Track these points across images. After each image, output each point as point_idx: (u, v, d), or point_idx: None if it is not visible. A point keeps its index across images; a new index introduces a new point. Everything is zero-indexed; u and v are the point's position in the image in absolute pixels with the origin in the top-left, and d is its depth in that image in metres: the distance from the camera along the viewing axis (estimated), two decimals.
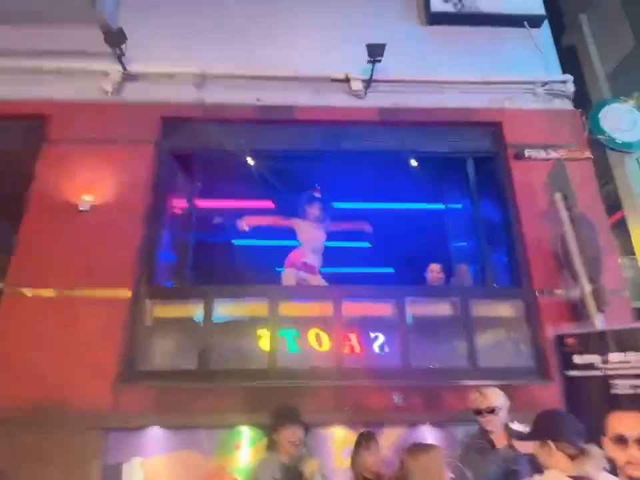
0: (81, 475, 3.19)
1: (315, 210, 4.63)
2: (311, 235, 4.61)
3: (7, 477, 3.08)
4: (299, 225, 4.64)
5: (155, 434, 3.34)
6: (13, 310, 3.62)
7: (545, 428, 2.06)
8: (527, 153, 4.30)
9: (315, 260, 4.52)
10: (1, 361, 3.46)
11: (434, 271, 4.47)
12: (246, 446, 3.37)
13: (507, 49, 4.93)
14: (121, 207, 4.01)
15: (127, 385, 3.47)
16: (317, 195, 4.75)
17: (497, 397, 2.81)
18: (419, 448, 2.35)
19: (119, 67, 4.44)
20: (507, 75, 4.73)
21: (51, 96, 4.36)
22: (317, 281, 4.46)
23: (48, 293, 3.68)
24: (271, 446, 2.91)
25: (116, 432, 3.33)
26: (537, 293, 3.89)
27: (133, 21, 4.58)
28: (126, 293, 3.74)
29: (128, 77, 4.51)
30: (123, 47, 4.30)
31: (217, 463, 3.32)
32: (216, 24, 4.83)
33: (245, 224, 4.63)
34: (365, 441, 2.94)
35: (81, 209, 3.93)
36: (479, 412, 2.78)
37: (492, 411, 2.75)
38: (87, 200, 3.96)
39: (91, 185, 4.04)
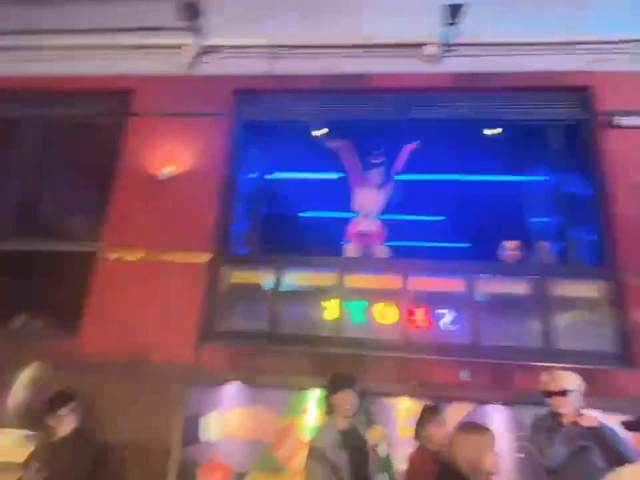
0: (165, 423, 3.71)
1: (374, 176, 4.79)
2: (365, 201, 4.75)
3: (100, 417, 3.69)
4: (356, 193, 4.81)
5: (231, 389, 3.79)
6: (105, 272, 4.23)
7: None
8: (619, 120, 4.16)
9: (369, 225, 4.65)
10: (97, 316, 4.09)
11: (510, 248, 4.42)
12: (312, 409, 3.70)
13: (596, 4, 4.65)
14: (198, 177, 4.43)
15: (205, 343, 3.95)
16: (376, 160, 4.86)
17: (569, 380, 2.82)
18: (472, 427, 2.44)
19: (195, 41, 4.81)
20: (598, 33, 4.50)
21: (135, 70, 4.86)
22: (377, 248, 4.58)
23: (135, 256, 4.23)
24: (329, 410, 3.11)
25: (196, 386, 3.81)
26: (624, 274, 3.83)
27: None
28: (204, 258, 4.18)
29: (203, 50, 4.87)
30: (198, 21, 4.67)
31: (286, 422, 3.69)
32: None
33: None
34: (430, 413, 3.08)
35: (160, 178, 4.41)
36: (549, 394, 2.83)
37: (563, 393, 2.76)
38: (166, 171, 4.42)
39: (170, 156, 4.49)
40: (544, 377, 2.92)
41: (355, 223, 4.73)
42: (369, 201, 4.76)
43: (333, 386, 3.10)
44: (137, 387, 3.79)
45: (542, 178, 4.78)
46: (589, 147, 4.32)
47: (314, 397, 3.71)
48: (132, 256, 4.24)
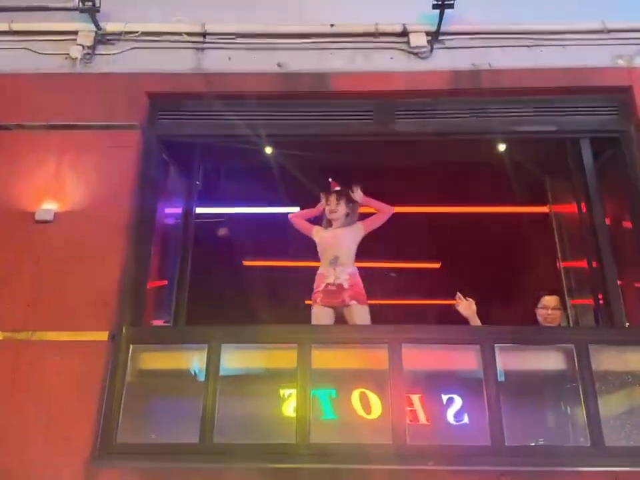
0: None
1: (332, 206, 4.68)
2: (327, 242, 4.65)
3: None
4: (315, 234, 4.75)
5: None
6: None
7: None
8: None
9: (340, 274, 4.49)
10: None
11: (548, 307, 4.43)
12: None
13: None
14: (95, 217, 4.17)
15: (104, 465, 3.58)
16: (334, 187, 4.81)
17: None
18: None
19: (91, 27, 4.65)
20: (637, 19, 4.66)
21: (3, 67, 4.64)
22: (351, 313, 4.44)
23: None
24: None
25: None
26: None
27: None
28: (102, 337, 3.86)
29: (103, 39, 4.72)
30: None
31: None
32: None
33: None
34: None
35: (39, 219, 4.13)
36: None
37: None
38: (48, 208, 4.15)
39: (54, 188, 4.24)
40: None
41: (320, 275, 4.58)
42: (330, 240, 4.64)
43: None
44: None
45: (572, 208, 4.76)
46: (632, 165, 4.35)
47: None
48: None
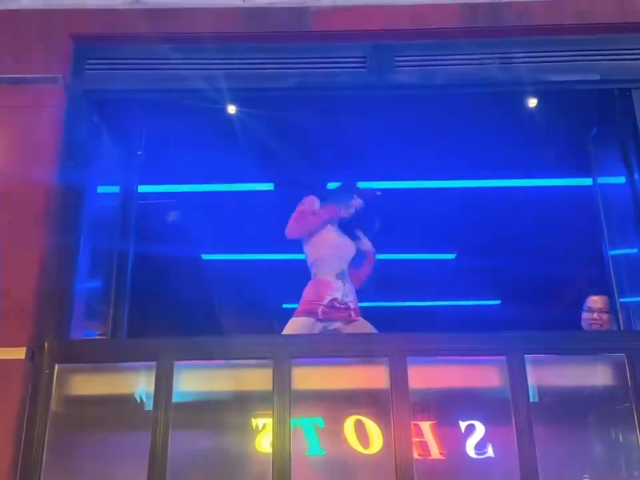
0: None
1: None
2: (341, 249, 4.84)
3: None
4: (327, 230, 4.84)
5: None
6: None
7: None
8: None
9: (349, 292, 4.68)
10: None
11: (594, 309, 4.53)
12: None
13: None
14: (5, 201, 4.12)
15: None
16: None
17: None
18: None
19: None
20: None
21: None
22: (359, 328, 4.60)
23: None
24: None
25: None
26: None
27: None
28: (18, 355, 3.80)
29: None
30: None
31: None
32: None
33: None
34: None
35: None
36: None
37: None
38: None
39: None
40: None
41: (324, 284, 4.65)
42: (346, 251, 4.88)
43: None
44: None
45: (623, 180, 4.80)
46: None
47: None
48: None
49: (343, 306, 4.62)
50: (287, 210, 4.83)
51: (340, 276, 4.70)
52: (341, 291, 4.63)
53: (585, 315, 4.54)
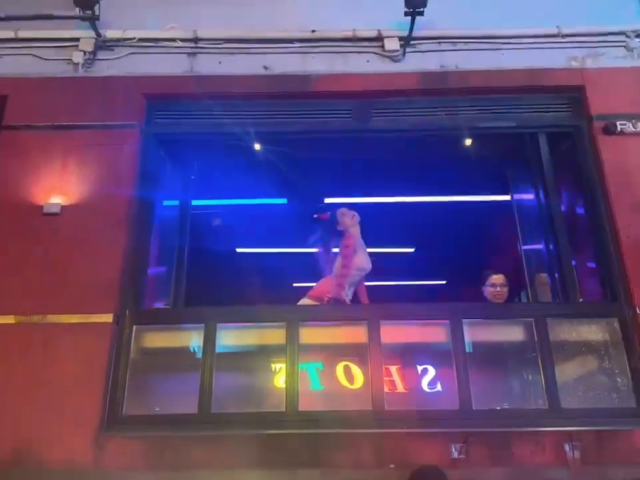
0: None
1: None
2: (365, 264, 4.70)
3: None
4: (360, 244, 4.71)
5: None
6: None
7: None
8: (619, 125, 4.24)
9: (350, 294, 4.62)
10: None
11: (497, 284, 4.42)
12: None
13: None
14: (98, 209, 4.11)
15: (111, 434, 3.56)
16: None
17: None
18: None
19: (92, 34, 4.56)
20: (589, 24, 4.66)
21: (7, 71, 4.54)
22: None
23: (10, 320, 3.78)
24: None
25: None
26: (637, 310, 3.82)
27: None
28: (107, 317, 3.82)
29: (103, 45, 4.64)
30: (95, 8, 4.41)
31: None
32: None
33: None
34: None
35: (47, 212, 4.06)
36: None
37: None
38: (55, 202, 4.08)
39: (60, 183, 4.16)
40: None
41: (340, 283, 4.56)
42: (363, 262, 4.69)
43: None
44: None
45: (531, 196, 4.80)
46: (584, 157, 4.38)
47: None
48: (6, 318, 3.78)
49: (343, 300, 4.52)
50: (296, 217, 4.81)
51: (353, 285, 4.64)
52: (348, 297, 4.57)
53: (489, 290, 4.42)
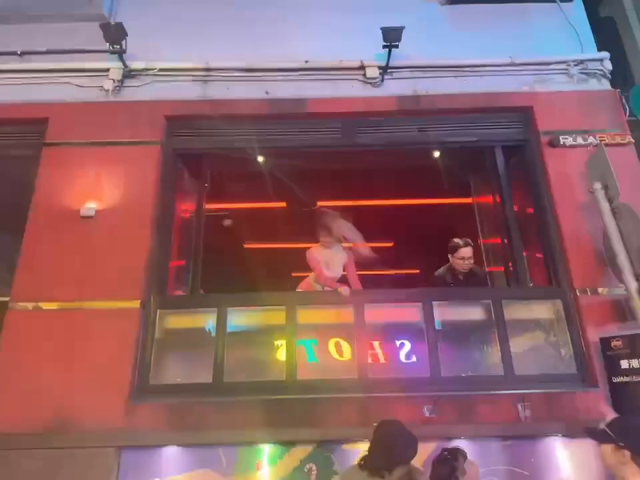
0: None
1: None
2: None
3: None
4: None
5: (171, 453, 3.40)
6: (18, 326, 3.72)
7: (628, 436, 2.08)
8: (561, 139, 4.27)
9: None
10: (7, 381, 3.57)
11: (465, 257, 4.24)
12: (267, 465, 3.40)
13: (535, 27, 4.89)
14: (126, 213, 4.10)
15: (140, 401, 3.56)
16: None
17: None
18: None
19: (120, 65, 4.54)
20: (537, 55, 4.69)
21: (49, 98, 4.50)
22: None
23: (53, 306, 3.77)
24: None
25: (130, 451, 3.40)
26: (577, 293, 3.85)
27: (132, 15, 4.73)
28: (135, 303, 3.82)
29: (129, 74, 4.61)
30: (122, 43, 4.41)
31: None
32: (219, 15, 4.91)
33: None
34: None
35: (83, 215, 4.04)
36: None
37: None
38: (90, 206, 4.07)
39: (94, 191, 4.15)
40: None
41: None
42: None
43: None
44: (57, 462, 3.31)
45: (490, 199, 4.80)
46: (534, 166, 4.40)
47: (267, 451, 3.45)
48: (50, 305, 3.78)
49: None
50: (294, 219, 4.79)
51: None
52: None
53: (458, 261, 4.25)
